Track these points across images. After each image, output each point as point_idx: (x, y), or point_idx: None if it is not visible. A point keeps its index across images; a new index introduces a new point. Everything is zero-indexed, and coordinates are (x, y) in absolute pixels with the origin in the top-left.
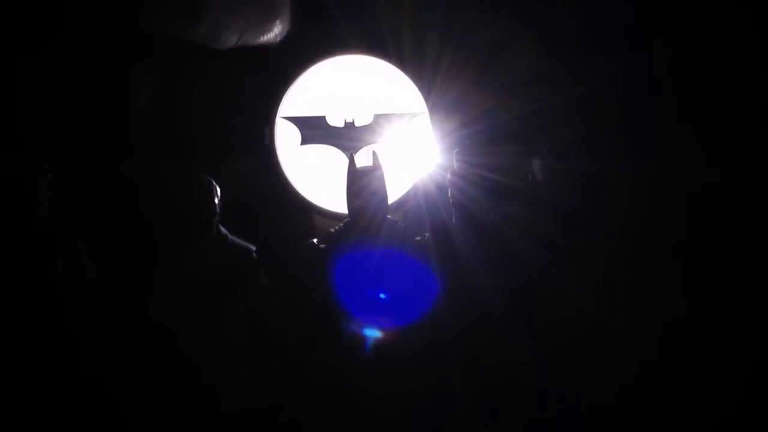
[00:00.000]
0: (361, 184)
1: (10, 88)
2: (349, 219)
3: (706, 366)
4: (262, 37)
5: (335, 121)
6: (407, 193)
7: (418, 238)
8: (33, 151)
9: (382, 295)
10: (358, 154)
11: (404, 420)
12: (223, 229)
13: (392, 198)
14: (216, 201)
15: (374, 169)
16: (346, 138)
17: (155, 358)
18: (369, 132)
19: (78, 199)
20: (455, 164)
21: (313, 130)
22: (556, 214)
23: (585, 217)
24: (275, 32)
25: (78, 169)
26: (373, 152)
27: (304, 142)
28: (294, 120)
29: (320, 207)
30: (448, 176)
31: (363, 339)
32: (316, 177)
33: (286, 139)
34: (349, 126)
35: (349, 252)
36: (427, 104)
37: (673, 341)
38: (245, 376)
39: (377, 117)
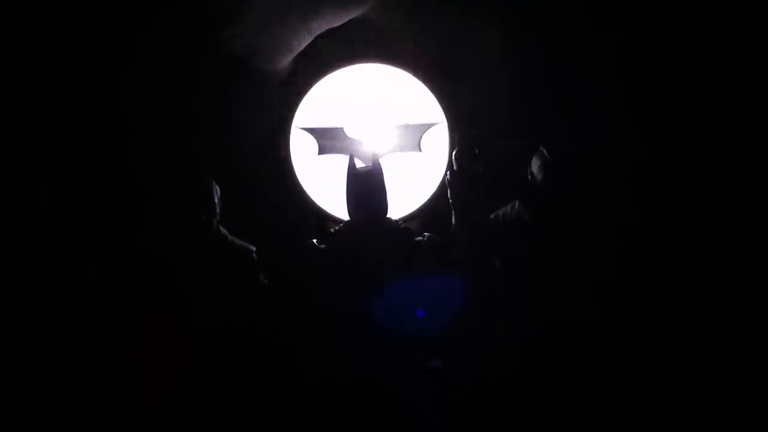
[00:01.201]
0: (359, 184)
1: (12, 89)
2: (349, 219)
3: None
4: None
5: (353, 132)
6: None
7: (418, 238)
8: (34, 152)
9: (382, 298)
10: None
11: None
12: (223, 229)
13: (411, 206)
14: (216, 201)
15: (373, 169)
16: (363, 148)
17: (155, 357)
18: (387, 142)
19: (79, 200)
20: (454, 164)
21: (331, 140)
22: (555, 213)
23: (584, 215)
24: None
25: (79, 169)
26: (373, 152)
27: (321, 152)
28: (311, 131)
29: (335, 216)
30: (447, 176)
31: (362, 338)
32: (332, 187)
33: (302, 148)
34: (367, 136)
35: (349, 252)
36: (442, 108)
37: (664, 333)
38: (244, 376)
39: (396, 128)
